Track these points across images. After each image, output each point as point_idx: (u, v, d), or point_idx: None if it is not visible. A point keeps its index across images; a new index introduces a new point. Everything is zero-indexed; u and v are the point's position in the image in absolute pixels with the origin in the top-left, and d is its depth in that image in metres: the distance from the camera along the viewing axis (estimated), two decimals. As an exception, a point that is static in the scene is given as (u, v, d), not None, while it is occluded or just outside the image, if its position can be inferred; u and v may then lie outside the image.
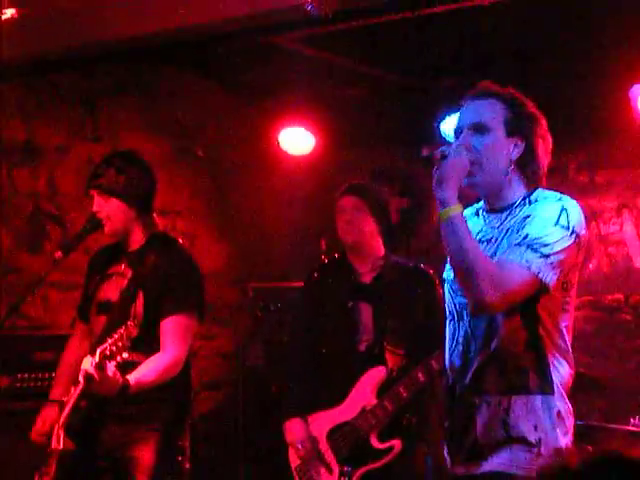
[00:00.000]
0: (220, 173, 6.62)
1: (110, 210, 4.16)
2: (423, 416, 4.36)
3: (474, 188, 3.06)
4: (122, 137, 5.98)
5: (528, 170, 3.05)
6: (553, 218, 2.93)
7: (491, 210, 3.10)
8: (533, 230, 2.92)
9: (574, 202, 3.01)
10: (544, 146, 3.08)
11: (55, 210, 5.73)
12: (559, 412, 2.96)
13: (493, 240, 3.04)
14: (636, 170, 6.07)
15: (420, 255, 6.53)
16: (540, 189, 3.08)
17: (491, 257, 2.94)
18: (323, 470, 4.26)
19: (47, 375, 4.82)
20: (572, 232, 2.94)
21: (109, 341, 3.73)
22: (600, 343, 5.93)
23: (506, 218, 3.05)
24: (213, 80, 6.43)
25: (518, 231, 2.96)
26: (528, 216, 2.98)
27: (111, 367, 3.74)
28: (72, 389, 3.89)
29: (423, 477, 4.32)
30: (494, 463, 2.94)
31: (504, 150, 3.02)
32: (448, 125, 5.90)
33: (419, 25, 4.88)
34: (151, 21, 4.99)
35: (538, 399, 2.95)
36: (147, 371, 3.97)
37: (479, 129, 3.01)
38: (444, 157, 2.93)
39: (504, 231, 3.03)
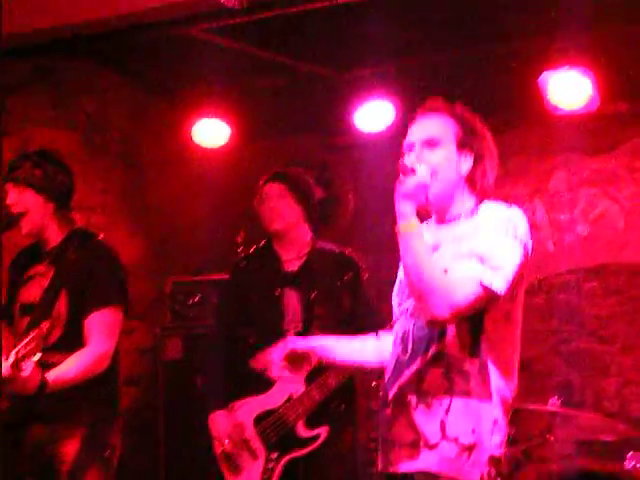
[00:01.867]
0: (134, 167, 6.55)
1: (27, 203, 4.09)
2: (351, 402, 4.38)
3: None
4: (32, 132, 5.86)
5: (477, 184, 3.15)
6: (502, 229, 3.00)
7: (439, 221, 3.18)
8: (483, 242, 2.98)
9: (520, 212, 3.08)
10: (491, 161, 3.17)
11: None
12: (496, 420, 3.01)
13: (439, 248, 3.09)
14: (547, 156, 6.20)
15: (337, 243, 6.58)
16: (487, 201, 3.15)
17: (439, 267, 2.98)
18: (248, 456, 4.25)
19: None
20: (520, 243, 3.01)
21: (23, 342, 3.67)
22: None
23: (453, 227, 3.12)
24: (124, 73, 6.35)
25: (467, 240, 3.02)
26: (476, 227, 3.04)
27: (30, 365, 3.68)
28: None
29: (349, 462, 4.33)
30: (427, 461, 2.98)
31: (454, 164, 3.12)
32: (361, 115, 5.96)
33: (332, 15, 4.91)
34: (60, 14, 4.93)
35: (477, 404, 2.99)
36: (67, 368, 3.93)
37: (431, 144, 3.11)
38: (411, 172, 3.01)
39: (449, 239, 3.09)
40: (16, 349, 3.68)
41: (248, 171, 6.50)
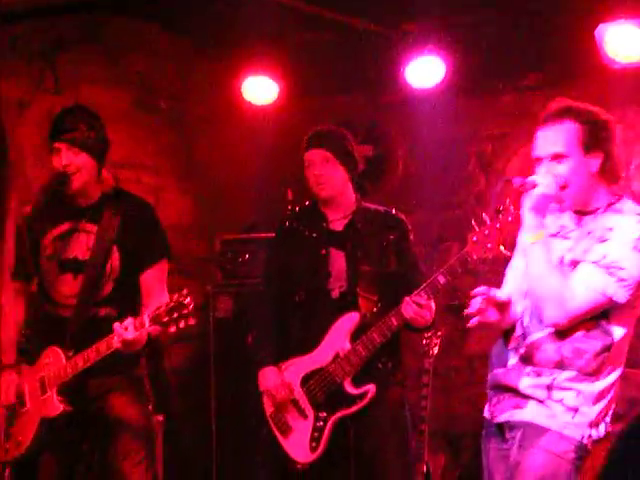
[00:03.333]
0: (184, 126, 6.56)
1: (80, 164, 4.12)
2: (398, 361, 4.37)
3: (563, 205, 3.37)
4: (83, 90, 5.89)
5: (608, 175, 3.34)
6: (632, 242, 3.22)
7: (577, 212, 3.39)
8: (612, 251, 3.22)
9: None
10: (619, 153, 3.35)
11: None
12: (602, 392, 3.30)
13: (574, 238, 3.34)
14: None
15: (386, 201, 6.54)
16: (627, 199, 3.36)
17: (568, 259, 3.28)
18: (298, 416, 4.26)
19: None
20: None
21: (161, 308, 3.74)
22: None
23: (590, 221, 3.34)
24: (173, 32, 6.34)
25: (599, 241, 3.25)
26: (610, 229, 3.25)
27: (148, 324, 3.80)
28: (71, 355, 3.97)
29: (398, 421, 4.32)
30: (533, 414, 3.29)
31: (584, 169, 3.31)
32: (411, 71, 5.89)
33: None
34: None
35: (585, 377, 3.28)
36: None
37: (558, 157, 3.30)
38: (534, 186, 3.28)
39: (585, 233, 3.32)
40: (151, 314, 3.76)
41: (297, 128, 6.43)
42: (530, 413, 3.30)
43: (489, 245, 3.42)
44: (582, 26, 5.29)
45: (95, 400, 4.11)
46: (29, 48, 5.68)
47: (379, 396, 4.20)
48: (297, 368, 4.30)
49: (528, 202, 3.29)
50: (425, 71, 5.85)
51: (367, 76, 6.36)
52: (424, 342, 5.44)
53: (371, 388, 4.19)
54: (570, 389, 3.26)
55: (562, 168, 3.30)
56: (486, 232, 3.42)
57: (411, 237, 4.45)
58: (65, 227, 4.19)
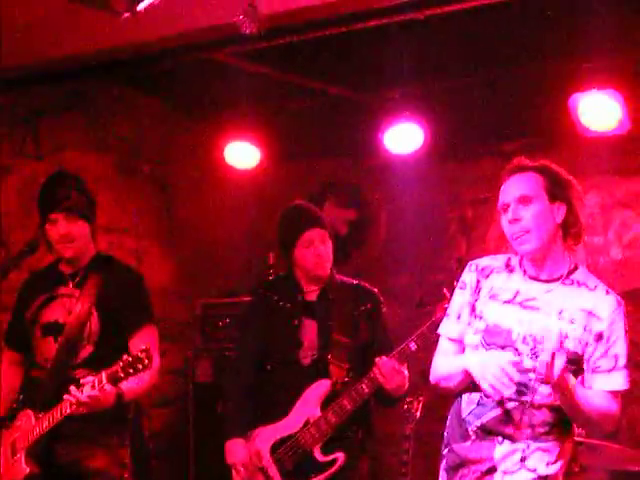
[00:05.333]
0: (166, 189, 6.60)
1: (78, 233, 4.22)
2: (369, 429, 4.36)
3: (525, 256, 3.38)
4: (65, 155, 5.93)
5: (572, 230, 3.38)
6: (624, 332, 3.33)
7: (533, 279, 3.38)
8: (620, 351, 3.31)
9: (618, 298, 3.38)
10: (581, 208, 3.40)
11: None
12: (567, 456, 3.37)
13: (537, 309, 3.33)
14: (579, 178, 6.10)
15: (368, 265, 6.57)
16: (581, 269, 3.39)
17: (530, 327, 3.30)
18: (266, 485, 4.25)
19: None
20: None
21: (118, 365, 3.80)
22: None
23: (554, 293, 3.34)
24: (156, 97, 6.41)
25: (596, 341, 3.29)
26: (597, 318, 3.29)
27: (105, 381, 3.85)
28: (40, 416, 4.02)
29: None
30: None
31: (550, 215, 3.33)
32: (390, 137, 5.95)
33: (359, 37, 4.92)
34: (91, 40, 4.99)
35: (558, 445, 3.35)
36: (139, 380, 4.03)
37: (525, 201, 3.32)
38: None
39: (554, 307, 3.31)
40: (108, 371, 3.83)
41: (279, 193, 6.52)
42: None
43: None
44: (558, 95, 5.35)
45: (67, 466, 4.11)
46: (10, 115, 5.73)
47: (349, 466, 4.19)
48: (267, 436, 4.29)
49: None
50: (404, 137, 5.90)
51: (348, 141, 6.41)
52: (405, 407, 5.43)
53: (340, 456, 4.18)
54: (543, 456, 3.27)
55: (527, 210, 3.31)
56: None
57: (384, 309, 4.49)
58: (53, 293, 4.27)
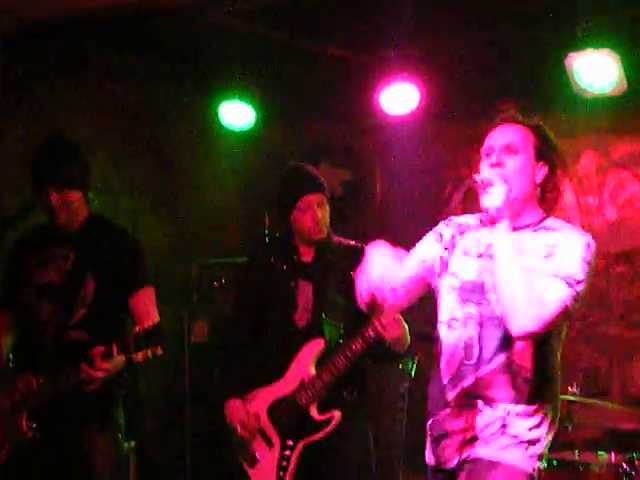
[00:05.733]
0: (162, 150, 6.57)
1: (70, 201, 4.19)
2: (364, 389, 4.38)
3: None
4: (59, 117, 5.90)
5: (548, 195, 3.29)
6: (582, 254, 3.15)
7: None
8: (566, 264, 3.13)
9: (591, 238, 3.22)
10: (563, 175, 3.32)
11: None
12: (550, 422, 3.25)
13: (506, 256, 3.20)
14: (575, 138, 6.11)
15: (363, 227, 6.56)
16: (552, 218, 3.28)
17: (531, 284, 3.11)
18: (265, 446, 4.26)
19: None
20: (590, 270, 3.17)
21: (129, 338, 3.88)
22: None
23: (524, 238, 3.22)
24: (151, 57, 6.37)
25: (546, 258, 3.15)
26: (555, 245, 3.17)
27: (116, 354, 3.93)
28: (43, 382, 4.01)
29: (364, 448, 4.33)
30: (486, 452, 3.20)
31: (531, 172, 3.25)
32: (386, 98, 5.93)
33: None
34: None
35: (539, 407, 3.22)
36: None
37: (511, 150, 3.23)
38: (490, 185, 3.16)
39: (522, 251, 3.18)
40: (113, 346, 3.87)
41: (274, 153, 6.51)
42: (483, 450, 3.22)
43: None
44: (554, 55, 5.33)
45: (66, 430, 4.12)
46: (3, 77, 5.69)
47: (344, 423, 4.21)
48: (263, 398, 4.30)
49: (488, 201, 3.16)
50: (400, 97, 5.88)
51: (344, 102, 6.40)
52: (400, 367, 5.46)
53: (336, 414, 4.20)
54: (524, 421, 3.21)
55: (512, 162, 3.22)
56: None
57: None
58: (45, 254, 4.26)
